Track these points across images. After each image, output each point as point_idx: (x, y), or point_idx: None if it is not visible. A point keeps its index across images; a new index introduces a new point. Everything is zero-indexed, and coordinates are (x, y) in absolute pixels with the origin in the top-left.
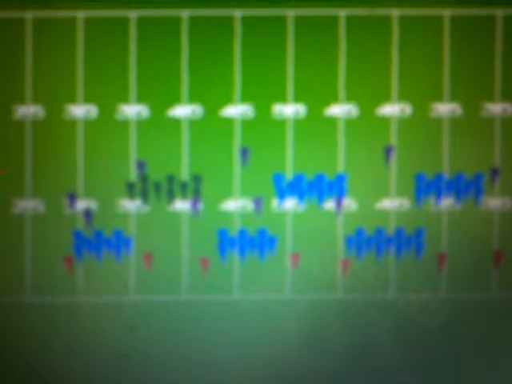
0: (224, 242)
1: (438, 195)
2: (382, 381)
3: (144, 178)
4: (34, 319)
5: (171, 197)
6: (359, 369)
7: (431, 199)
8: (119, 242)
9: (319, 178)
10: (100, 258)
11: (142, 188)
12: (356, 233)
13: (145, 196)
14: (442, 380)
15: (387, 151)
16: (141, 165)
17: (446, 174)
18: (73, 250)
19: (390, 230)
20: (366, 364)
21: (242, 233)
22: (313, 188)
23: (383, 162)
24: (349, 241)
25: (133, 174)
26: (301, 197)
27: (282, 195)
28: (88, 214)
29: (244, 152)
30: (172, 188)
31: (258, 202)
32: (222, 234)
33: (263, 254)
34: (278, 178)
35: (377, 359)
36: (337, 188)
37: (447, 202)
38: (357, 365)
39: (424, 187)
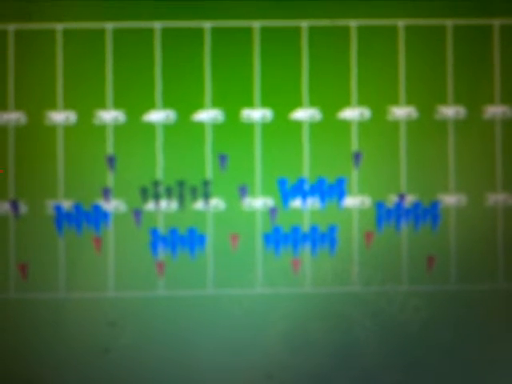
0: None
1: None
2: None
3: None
4: (15, 315)
5: (145, 199)
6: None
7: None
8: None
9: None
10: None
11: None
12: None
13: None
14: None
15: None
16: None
17: (404, 171)
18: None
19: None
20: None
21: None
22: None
23: (349, 163)
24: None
25: (109, 178)
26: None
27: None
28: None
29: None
30: (153, 190)
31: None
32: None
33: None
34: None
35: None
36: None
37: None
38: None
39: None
